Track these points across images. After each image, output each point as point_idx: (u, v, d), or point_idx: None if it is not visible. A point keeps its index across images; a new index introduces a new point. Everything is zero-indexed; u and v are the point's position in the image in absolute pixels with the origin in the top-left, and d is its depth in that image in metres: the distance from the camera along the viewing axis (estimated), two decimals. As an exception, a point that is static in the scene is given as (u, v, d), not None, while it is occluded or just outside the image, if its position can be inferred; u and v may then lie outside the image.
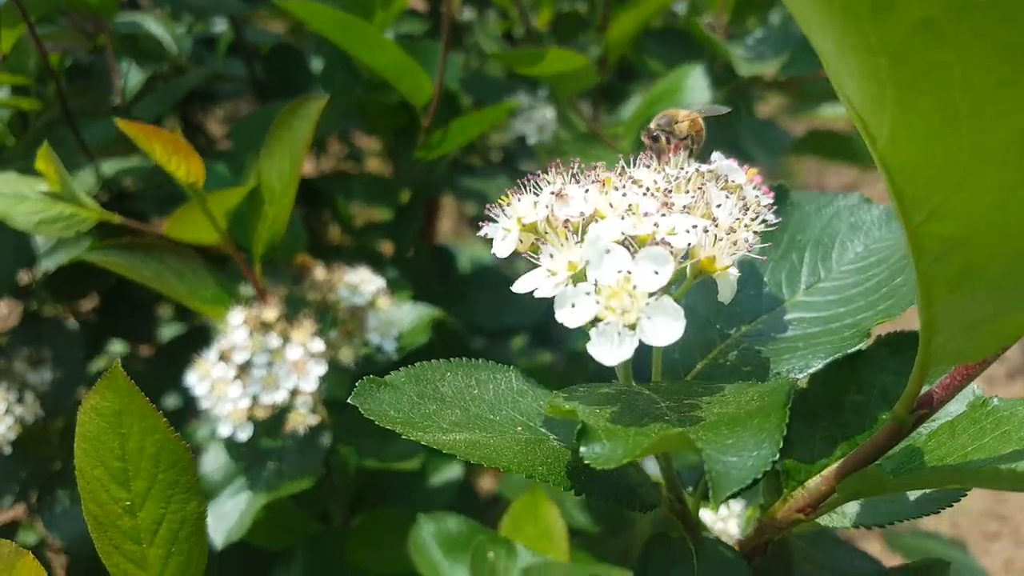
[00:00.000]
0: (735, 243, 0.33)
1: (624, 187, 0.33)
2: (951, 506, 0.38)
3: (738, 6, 0.89)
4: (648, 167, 0.37)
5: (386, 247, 1.17)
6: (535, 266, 0.34)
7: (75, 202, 0.71)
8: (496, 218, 0.37)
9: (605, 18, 0.94)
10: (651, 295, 0.30)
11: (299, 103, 0.67)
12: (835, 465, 0.37)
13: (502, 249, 0.35)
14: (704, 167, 0.37)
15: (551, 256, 0.33)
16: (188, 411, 1.03)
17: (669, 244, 0.31)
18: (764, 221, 0.36)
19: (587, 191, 0.33)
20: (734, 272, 0.34)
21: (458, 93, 0.90)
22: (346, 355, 0.72)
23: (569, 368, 1.15)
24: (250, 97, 1.28)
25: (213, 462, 0.74)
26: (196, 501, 0.40)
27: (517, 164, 1.25)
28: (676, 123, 0.40)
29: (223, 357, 0.69)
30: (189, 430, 0.99)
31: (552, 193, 0.34)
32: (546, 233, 0.34)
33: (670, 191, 0.33)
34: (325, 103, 0.66)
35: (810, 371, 0.38)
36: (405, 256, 1.05)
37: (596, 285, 0.31)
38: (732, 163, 0.38)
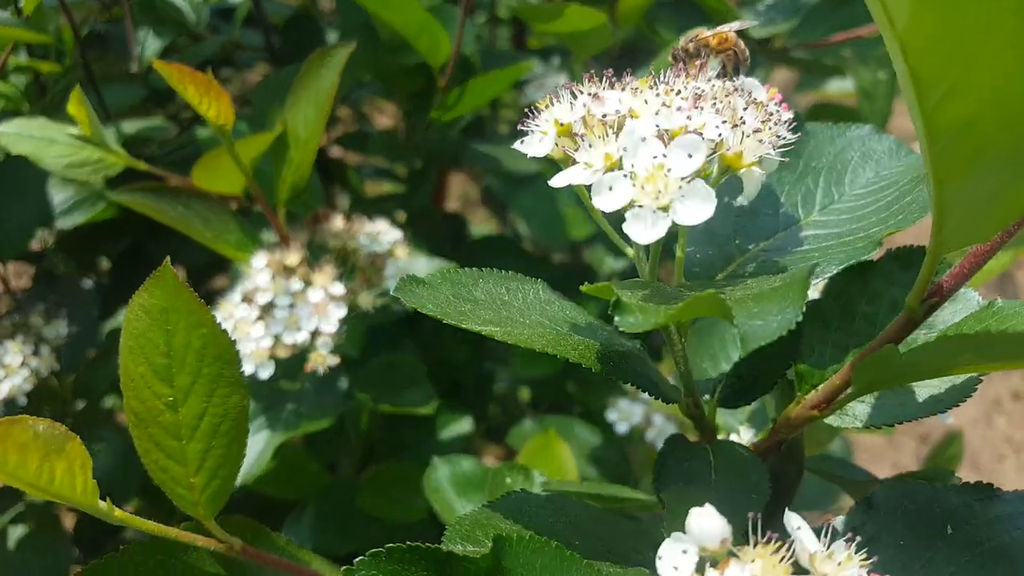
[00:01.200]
0: (760, 142, 0.35)
1: (657, 89, 0.35)
2: (956, 406, 0.41)
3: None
4: (677, 78, 0.39)
5: (398, 216, 1.19)
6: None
7: (104, 147, 0.73)
8: (533, 125, 0.39)
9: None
10: (684, 179, 0.32)
11: (326, 51, 0.69)
12: (848, 363, 0.40)
13: (539, 150, 0.38)
14: (729, 83, 0.40)
15: (588, 149, 0.35)
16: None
17: (700, 135, 0.33)
18: (785, 130, 0.38)
19: (622, 92, 0.36)
20: (758, 170, 0.36)
21: (473, 57, 0.92)
22: (365, 300, 0.74)
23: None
24: (264, 67, 1.30)
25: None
26: (239, 395, 0.42)
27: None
28: (700, 40, 0.42)
29: (246, 299, 0.71)
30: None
31: (589, 95, 0.36)
32: (582, 134, 0.36)
33: (700, 95, 0.36)
34: (351, 51, 0.68)
35: (825, 276, 0.40)
36: (418, 220, 1.07)
37: (632, 171, 0.33)
38: (755, 81, 0.41)
